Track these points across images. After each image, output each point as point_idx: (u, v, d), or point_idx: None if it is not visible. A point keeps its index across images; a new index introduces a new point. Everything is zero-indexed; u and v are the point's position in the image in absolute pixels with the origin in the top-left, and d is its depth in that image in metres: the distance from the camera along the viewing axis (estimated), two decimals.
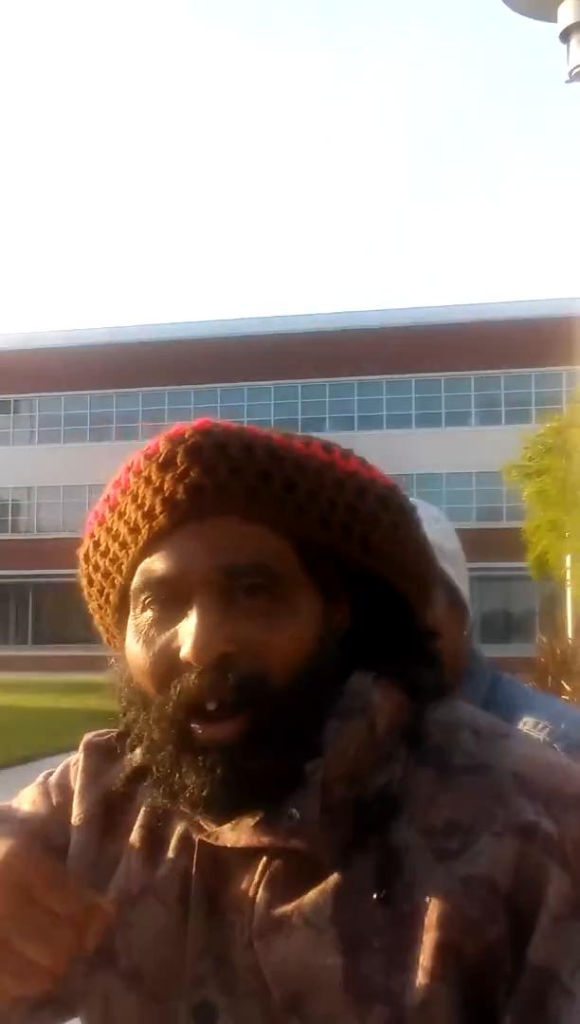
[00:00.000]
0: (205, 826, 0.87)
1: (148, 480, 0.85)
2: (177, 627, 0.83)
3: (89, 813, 0.96)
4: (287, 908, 0.82)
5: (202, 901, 0.87)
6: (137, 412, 39.07)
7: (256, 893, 0.84)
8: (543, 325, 30.67)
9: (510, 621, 32.84)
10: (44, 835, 0.95)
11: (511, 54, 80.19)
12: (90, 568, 0.92)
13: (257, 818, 0.84)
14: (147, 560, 0.85)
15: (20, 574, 37.85)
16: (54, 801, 0.99)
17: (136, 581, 0.86)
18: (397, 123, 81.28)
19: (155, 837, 0.92)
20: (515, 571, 21.17)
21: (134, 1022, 0.87)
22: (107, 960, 0.88)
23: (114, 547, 0.88)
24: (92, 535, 0.92)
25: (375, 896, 0.80)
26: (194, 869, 0.88)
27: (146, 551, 0.85)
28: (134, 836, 0.92)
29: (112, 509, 0.89)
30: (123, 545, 0.87)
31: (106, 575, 0.90)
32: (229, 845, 0.85)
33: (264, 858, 0.84)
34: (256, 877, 0.85)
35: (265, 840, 0.83)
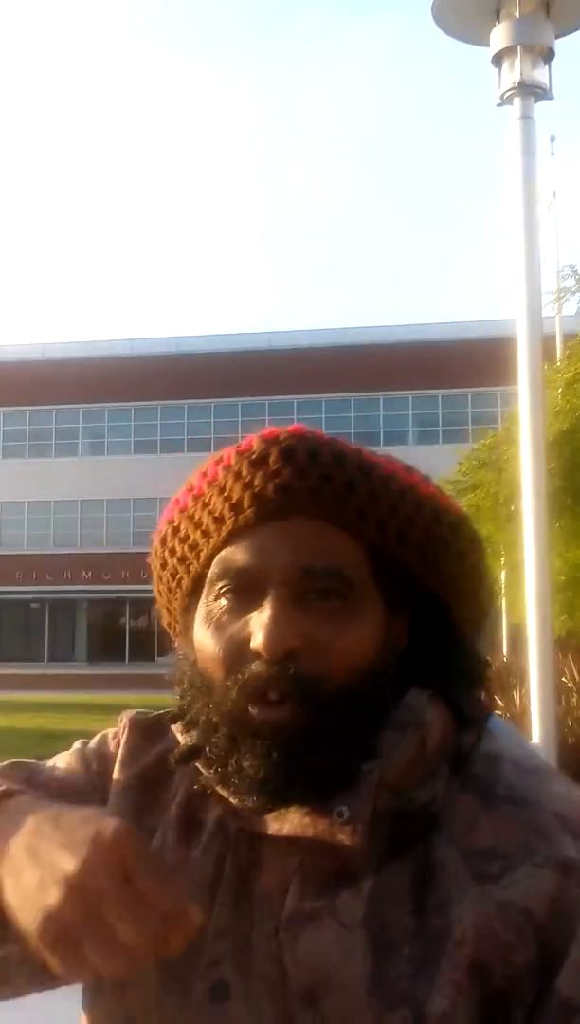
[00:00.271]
0: (244, 815, 0.88)
1: (238, 475, 0.89)
2: (249, 617, 0.86)
3: (128, 784, 0.97)
4: (319, 904, 0.85)
5: (231, 885, 0.89)
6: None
7: (289, 885, 0.86)
8: (478, 346, 31.16)
9: None
10: (83, 797, 0.96)
11: (444, 78, 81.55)
12: (166, 552, 0.95)
13: (302, 811, 0.86)
14: (228, 550, 0.88)
15: None
16: (93, 768, 1.01)
17: (214, 569, 0.89)
18: (331, 146, 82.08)
19: (191, 820, 0.93)
20: None
21: (149, 993, 0.88)
22: None
23: (195, 534, 0.91)
24: (172, 521, 0.95)
25: (410, 907, 0.83)
26: (228, 854, 0.90)
27: (228, 541, 0.88)
28: (171, 815, 0.94)
29: (196, 498, 0.92)
30: (205, 533, 0.90)
31: (182, 560, 0.93)
32: (270, 833, 0.87)
33: (301, 853, 0.86)
34: (291, 870, 0.87)
35: (310, 832, 0.85)
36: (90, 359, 39.03)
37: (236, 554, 0.88)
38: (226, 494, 0.89)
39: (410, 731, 0.87)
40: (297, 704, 0.83)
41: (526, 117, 4.27)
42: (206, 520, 0.90)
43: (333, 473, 0.88)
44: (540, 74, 4.27)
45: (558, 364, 9.13)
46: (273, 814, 0.87)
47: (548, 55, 4.27)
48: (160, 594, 0.99)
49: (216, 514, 0.89)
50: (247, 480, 0.88)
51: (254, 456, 0.89)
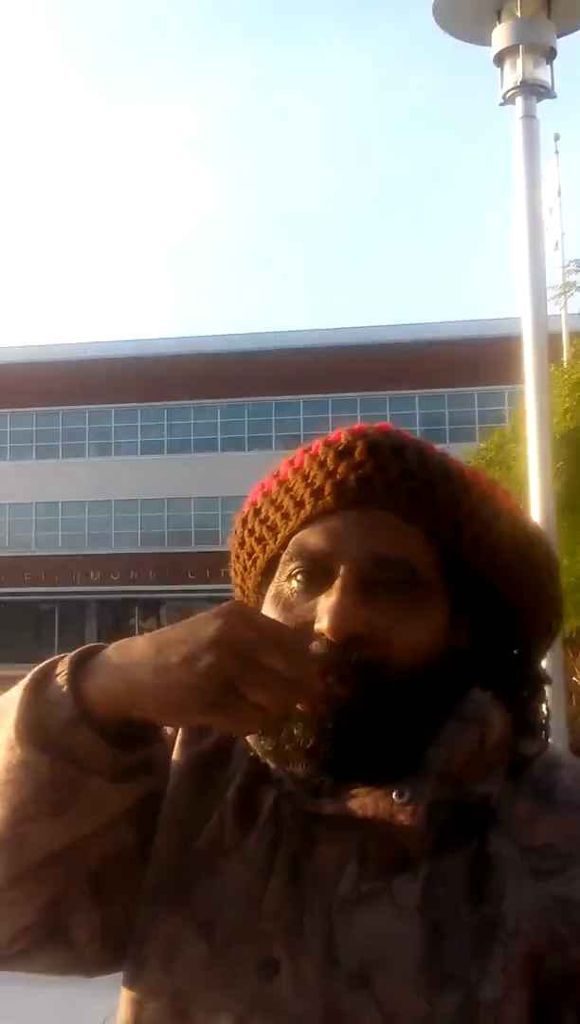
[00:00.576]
0: (299, 797, 0.90)
1: (322, 463, 0.93)
2: (317, 600, 0.88)
3: (187, 766, 0.98)
4: (375, 886, 0.86)
5: (285, 865, 0.90)
6: (84, 430, 38.88)
7: (344, 866, 0.87)
8: (485, 345, 31.08)
9: None
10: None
11: (447, 78, 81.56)
12: (245, 532, 0.99)
13: (361, 793, 0.87)
14: (303, 533, 0.92)
15: None
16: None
17: (289, 550, 0.92)
18: (336, 146, 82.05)
19: (248, 802, 0.94)
20: None
21: (198, 968, 0.89)
22: (182, 906, 0.91)
23: (275, 516, 0.95)
24: (254, 503, 0.99)
25: (466, 895, 0.85)
26: (283, 835, 0.91)
27: (306, 524, 0.92)
28: (229, 797, 0.95)
29: (281, 483, 0.96)
30: (285, 516, 0.94)
31: (260, 540, 0.97)
32: (329, 812, 0.88)
33: (358, 835, 0.88)
34: (347, 851, 0.88)
35: (369, 813, 0.86)
36: (96, 360, 39.04)
37: (310, 537, 0.91)
38: (309, 480, 0.93)
39: (472, 724, 0.89)
40: (355, 688, 0.85)
41: (528, 116, 4.28)
42: (287, 503, 0.94)
43: (414, 471, 0.91)
44: (542, 73, 4.28)
45: (563, 362, 9.13)
46: (329, 797, 0.89)
47: (550, 54, 4.28)
48: (235, 572, 1.03)
49: (297, 498, 0.93)
50: (331, 469, 0.92)
51: (341, 447, 0.93)
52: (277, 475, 0.97)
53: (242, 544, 1.00)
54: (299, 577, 0.91)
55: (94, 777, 0.82)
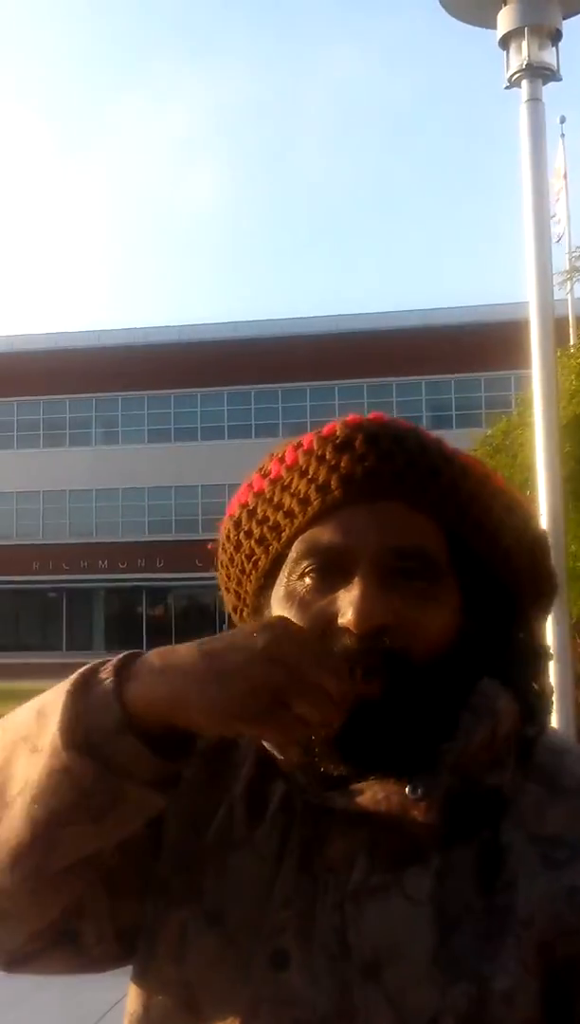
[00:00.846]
0: (310, 791, 0.90)
1: (322, 459, 0.91)
2: (336, 595, 0.88)
3: (199, 756, 0.98)
4: (386, 878, 0.86)
5: (295, 857, 0.90)
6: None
7: (355, 858, 0.88)
8: (491, 330, 31.01)
9: None
10: None
11: (451, 60, 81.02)
12: (241, 534, 0.97)
13: (374, 788, 0.87)
14: (313, 530, 0.91)
15: None
16: None
17: (298, 548, 0.91)
18: (338, 128, 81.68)
19: (258, 793, 0.95)
20: None
21: (208, 959, 0.89)
22: (192, 897, 0.91)
23: (276, 516, 0.93)
24: (246, 504, 0.97)
25: (477, 885, 0.85)
26: (293, 827, 0.91)
27: (314, 522, 0.90)
28: (239, 788, 0.96)
29: (274, 482, 0.94)
30: (288, 514, 0.92)
31: (261, 541, 0.95)
32: (341, 807, 0.88)
33: (370, 828, 0.88)
34: (358, 844, 0.88)
35: (383, 807, 0.87)
36: (103, 348, 39.06)
37: (322, 534, 0.90)
38: (311, 476, 0.91)
39: (485, 716, 0.89)
40: (383, 680, 0.85)
41: (534, 99, 4.24)
42: (289, 502, 0.92)
43: (417, 459, 0.91)
44: (548, 55, 4.24)
45: (571, 347, 9.09)
46: (339, 791, 0.89)
47: (555, 36, 4.25)
48: (229, 576, 1.00)
49: (301, 495, 0.91)
50: (333, 463, 0.90)
51: (338, 441, 0.91)
52: (267, 474, 0.96)
53: (238, 547, 0.98)
54: (312, 574, 0.90)
55: (135, 785, 0.81)
